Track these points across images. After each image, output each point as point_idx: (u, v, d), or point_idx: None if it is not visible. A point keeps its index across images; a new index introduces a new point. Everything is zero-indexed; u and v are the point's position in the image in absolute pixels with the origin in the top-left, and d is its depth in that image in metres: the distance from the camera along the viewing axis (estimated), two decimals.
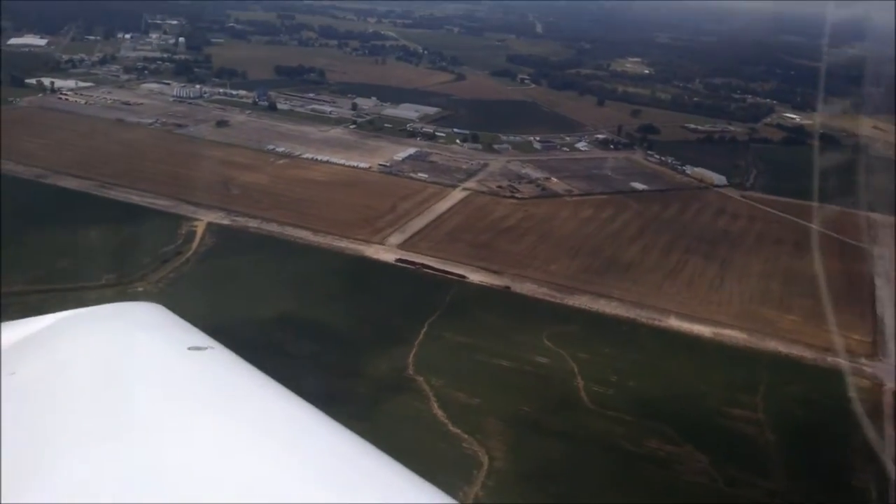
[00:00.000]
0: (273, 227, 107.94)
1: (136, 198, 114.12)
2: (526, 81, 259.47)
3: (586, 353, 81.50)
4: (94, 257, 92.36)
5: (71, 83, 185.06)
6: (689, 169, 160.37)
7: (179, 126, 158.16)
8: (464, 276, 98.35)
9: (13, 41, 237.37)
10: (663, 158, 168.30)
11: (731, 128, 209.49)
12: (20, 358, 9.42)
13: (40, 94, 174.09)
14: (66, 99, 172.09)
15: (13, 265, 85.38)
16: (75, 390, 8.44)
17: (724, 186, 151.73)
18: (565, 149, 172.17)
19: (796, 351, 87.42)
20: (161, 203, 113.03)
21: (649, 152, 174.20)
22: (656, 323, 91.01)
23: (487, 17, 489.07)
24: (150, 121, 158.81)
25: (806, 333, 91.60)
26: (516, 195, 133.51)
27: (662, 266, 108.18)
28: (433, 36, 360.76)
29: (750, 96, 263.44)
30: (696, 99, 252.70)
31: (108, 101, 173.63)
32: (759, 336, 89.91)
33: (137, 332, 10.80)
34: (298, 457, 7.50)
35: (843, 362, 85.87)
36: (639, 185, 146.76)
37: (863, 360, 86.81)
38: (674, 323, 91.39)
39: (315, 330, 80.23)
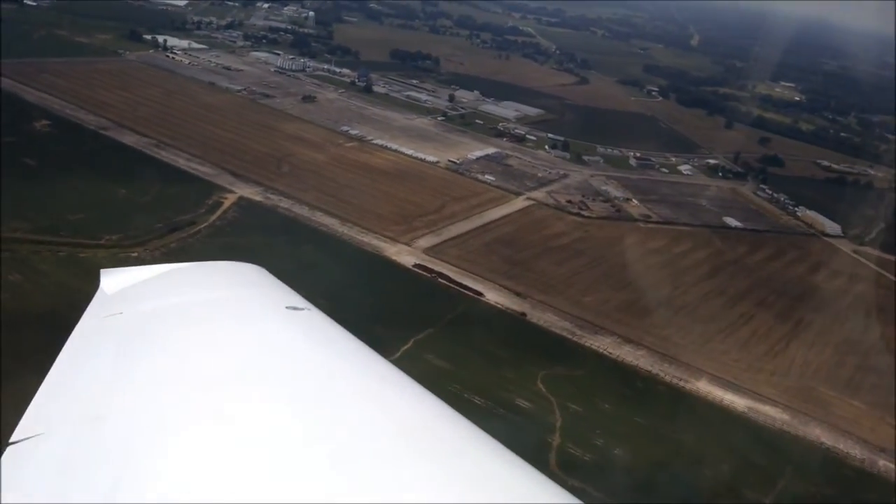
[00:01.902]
0: (303, 210, 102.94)
1: (182, 161, 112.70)
2: (653, 93, 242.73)
3: (579, 406, 70.47)
4: (107, 215, 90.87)
5: (185, 43, 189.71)
6: (800, 210, 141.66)
7: (266, 96, 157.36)
8: (480, 294, 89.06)
9: None
10: (776, 195, 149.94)
11: (872, 171, 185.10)
12: (126, 303, 9.80)
13: (151, 51, 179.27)
14: (173, 58, 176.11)
15: (23, 212, 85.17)
16: (176, 339, 8.80)
17: (836, 237, 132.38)
18: (664, 170, 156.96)
19: (843, 445, 72.06)
20: (203, 170, 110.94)
21: (762, 186, 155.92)
22: (681, 383, 78.00)
23: (643, 24, 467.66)
24: (239, 87, 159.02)
25: (864, 425, 75.79)
26: (583, 212, 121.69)
27: (720, 318, 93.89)
28: (574, 37, 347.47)
29: None
30: (842, 134, 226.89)
31: (211, 65, 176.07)
32: (803, 419, 75.09)
33: (237, 289, 11.03)
34: (390, 420, 7.43)
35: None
36: (732, 222, 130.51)
37: None
38: (703, 387, 77.99)
39: None
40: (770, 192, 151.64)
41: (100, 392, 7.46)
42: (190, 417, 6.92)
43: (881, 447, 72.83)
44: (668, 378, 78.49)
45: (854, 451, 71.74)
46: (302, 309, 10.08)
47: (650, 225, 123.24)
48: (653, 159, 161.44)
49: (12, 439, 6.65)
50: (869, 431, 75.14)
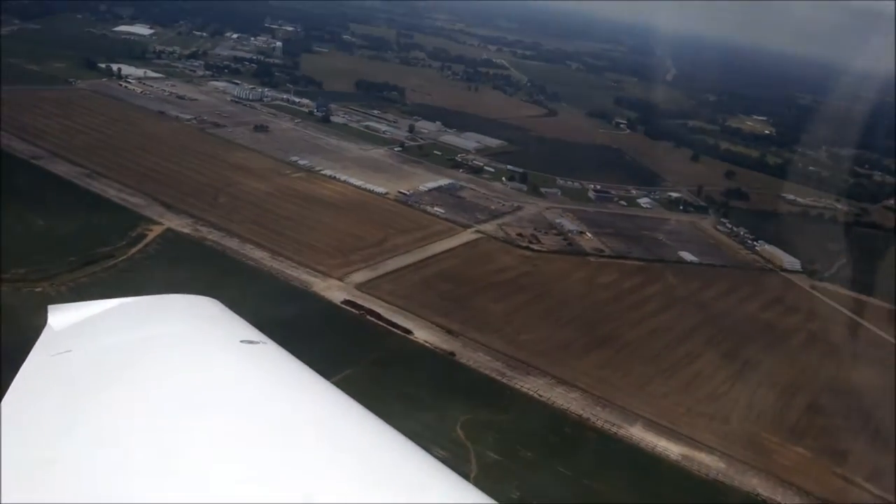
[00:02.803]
0: (233, 243, 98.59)
1: (112, 192, 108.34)
2: (621, 126, 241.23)
3: (498, 455, 65.89)
4: (19, 248, 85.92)
5: (140, 72, 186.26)
6: (759, 245, 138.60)
7: (216, 125, 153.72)
8: (409, 332, 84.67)
9: (121, 28, 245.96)
10: (735, 229, 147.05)
11: (839, 206, 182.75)
12: (74, 339, 9.54)
13: (104, 79, 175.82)
14: (125, 86, 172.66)
15: None
16: (128, 376, 8.50)
17: (794, 272, 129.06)
18: (623, 203, 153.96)
19: (781, 497, 67.68)
20: (134, 200, 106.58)
21: (723, 220, 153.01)
22: (613, 429, 73.54)
23: (621, 58, 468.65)
24: (188, 117, 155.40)
25: (808, 474, 71.58)
26: (532, 246, 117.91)
27: (664, 358, 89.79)
28: (547, 70, 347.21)
29: (880, 173, 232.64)
30: (811, 168, 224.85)
31: (165, 94, 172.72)
32: (740, 467, 70.74)
33: (190, 322, 10.81)
34: (346, 452, 7.42)
35: None
36: (688, 256, 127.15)
37: None
38: (636, 433, 73.57)
39: None
40: (730, 226, 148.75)
41: (49, 433, 7.25)
42: (144, 457, 6.75)
43: (823, 499, 68.53)
44: (599, 423, 74.07)
45: (792, 502, 67.36)
46: (257, 342, 9.85)
47: (602, 259, 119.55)
48: (612, 192, 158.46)
49: None
50: (812, 481, 70.88)
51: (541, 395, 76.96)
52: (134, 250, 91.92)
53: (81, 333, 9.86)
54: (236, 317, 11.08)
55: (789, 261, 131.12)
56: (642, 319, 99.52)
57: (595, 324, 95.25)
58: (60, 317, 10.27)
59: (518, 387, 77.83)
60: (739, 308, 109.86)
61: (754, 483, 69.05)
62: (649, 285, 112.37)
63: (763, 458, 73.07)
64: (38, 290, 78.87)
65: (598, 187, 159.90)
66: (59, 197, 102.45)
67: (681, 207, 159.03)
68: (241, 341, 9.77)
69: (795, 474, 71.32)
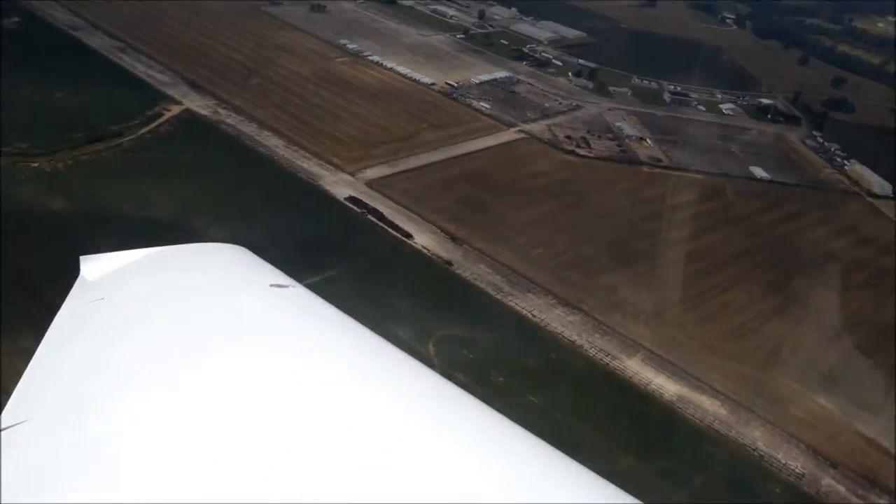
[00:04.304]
0: (250, 129, 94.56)
1: (141, 67, 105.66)
2: (728, 21, 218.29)
3: (466, 377, 60.39)
4: (29, 120, 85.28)
5: None
6: (849, 164, 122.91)
7: (274, 3, 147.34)
8: (409, 236, 79.25)
9: None
10: (826, 144, 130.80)
11: None
12: (107, 289, 9.65)
13: None
14: None
15: None
16: (160, 323, 8.54)
17: (883, 197, 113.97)
18: (700, 108, 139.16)
19: (784, 456, 60.01)
20: (160, 77, 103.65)
21: (814, 133, 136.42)
22: (605, 359, 66.83)
23: None
24: None
25: (823, 430, 63.49)
26: (578, 150, 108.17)
27: (692, 285, 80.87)
28: None
29: None
30: None
31: None
32: (745, 416, 63.12)
33: (220, 270, 10.87)
34: (382, 395, 7.46)
35: (842, 490, 57.70)
36: (759, 172, 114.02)
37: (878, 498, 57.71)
38: (631, 366, 66.63)
39: None
40: (821, 141, 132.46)
41: (84, 379, 7.37)
42: (177, 403, 6.76)
43: (834, 461, 60.43)
44: (592, 351, 67.46)
45: (795, 462, 59.67)
46: (286, 286, 9.98)
47: (656, 170, 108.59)
48: (692, 95, 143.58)
49: None
50: (827, 439, 62.62)
51: (534, 316, 70.63)
52: (144, 130, 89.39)
53: (114, 283, 9.92)
54: (265, 263, 11.14)
55: (880, 185, 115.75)
56: (680, 240, 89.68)
57: (623, 241, 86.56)
58: (93, 267, 10.32)
59: (511, 304, 71.65)
60: (801, 234, 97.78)
61: (756, 434, 61.50)
62: (702, 202, 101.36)
63: (775, 407, 65.00)
64: (34, 164, 77.95)
65: (677, 89, 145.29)
66: (84, 70, 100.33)
67: (768, 116, 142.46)
68: (271, 285, 9.90)
69: (807, 429, 63.17)
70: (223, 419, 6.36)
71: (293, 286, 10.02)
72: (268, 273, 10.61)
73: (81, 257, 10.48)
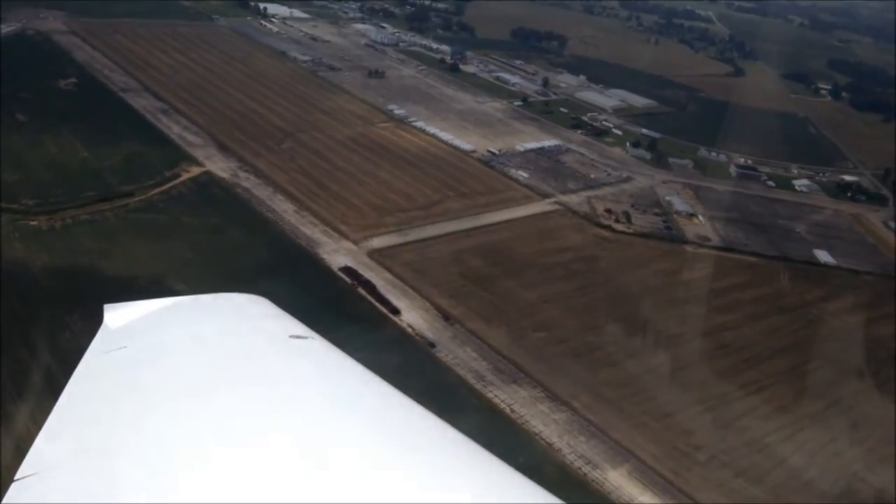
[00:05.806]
0: (265, 193, 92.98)
1: (176, 129, 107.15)
2: (821, 92, 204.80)
3: None
4: (47, 178, 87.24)
5: (287, 11, 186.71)
6: None
7: (331, 69, 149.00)
8: (397, 312, 74.03)
9: None
10: None
11: None
12: (129, 337, 9.79)
13: (249, 17, 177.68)
14: (265, 25, 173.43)
15: None
16: (182, 372, 8.73)
17: None
18: (770, 183, 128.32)
19: None
20: (192, 139, 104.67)
21: None
22: (584, 469, 58.46)
23: (865, 15, 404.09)
24: (306, 59, 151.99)
25: None
26: (615, 225, 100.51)
27: (714, 385, 70.95)
28: (760, 24, 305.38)
29: None
30: None
31: (299, 34, 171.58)
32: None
33: (241, 321, 11.01)
34: (396, 448, 7.45)
35: None
36: (824, 256, 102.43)
37: None
38: (614, 480, 57.91)
39: None
40: None
41: (106, 428, 7.40)
42: (199, 453, 6.83)
43: None
44: (570, 458, 59.19)
45: None
46: (305, 338, 10.04)
47: (701, 249, 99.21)
48: (760, 169, 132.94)
49: (17, 476, 6.47)
50: None
51: (513, 411, 63.30)
52: (157, 190, 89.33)
53: (136, 331, 10.03)
54: (286, 314, 11.03)
55: None
56: (714, 330, 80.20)
57: (641, 328, 77.95)
58: (116, 315, 10.34)
59: (490, 396, 64.66)
60: (861, 330, 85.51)
61: None
62: (749, 288, 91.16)
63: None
64: (32, 223, 78.38)
65: (747, 162, 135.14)
66: (117, 130, 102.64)
67: (849, 194, 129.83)
68: (290, 336, 9.90)
69: None
70: (241, 474, 6.34)
71: (313, 338, 10.01)
72: (288, 323, 10.58)
73: (105, 305, 10.57)
